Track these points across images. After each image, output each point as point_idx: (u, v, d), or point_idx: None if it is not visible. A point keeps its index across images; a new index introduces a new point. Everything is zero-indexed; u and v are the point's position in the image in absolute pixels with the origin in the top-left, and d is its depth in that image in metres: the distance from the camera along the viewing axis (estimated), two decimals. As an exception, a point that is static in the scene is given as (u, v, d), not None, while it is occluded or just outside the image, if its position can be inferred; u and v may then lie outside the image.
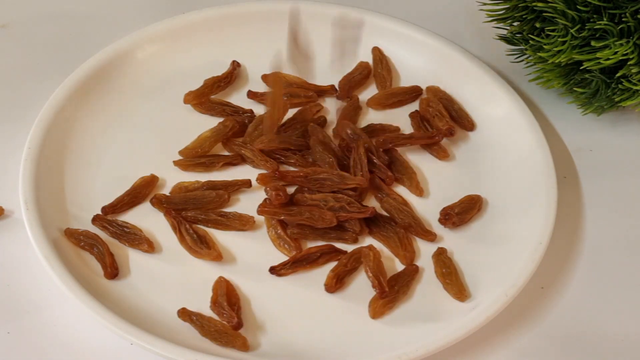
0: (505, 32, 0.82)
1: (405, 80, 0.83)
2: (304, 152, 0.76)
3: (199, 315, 0.67)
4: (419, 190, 0.75)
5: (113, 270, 0.69)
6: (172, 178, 0.75)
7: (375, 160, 0.75)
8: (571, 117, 0.82)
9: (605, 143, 0.80)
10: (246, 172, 0.76)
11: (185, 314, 0.67)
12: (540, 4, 0.75)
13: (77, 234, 0.70)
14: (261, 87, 0.82)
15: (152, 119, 0.79)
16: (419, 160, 0.77)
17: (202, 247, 0.71)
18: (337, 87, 0.81)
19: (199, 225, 0.72)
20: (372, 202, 0.74)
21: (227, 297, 0.68)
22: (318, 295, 0.69)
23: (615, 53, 0.73)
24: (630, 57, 0.73)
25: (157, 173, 0.75)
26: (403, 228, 0.72)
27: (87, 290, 0.66)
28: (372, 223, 0.73)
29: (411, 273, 0.70)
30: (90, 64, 0.79)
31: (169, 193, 0.74)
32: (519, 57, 0.82)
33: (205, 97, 0.80)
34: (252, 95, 0.80)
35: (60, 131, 0.76)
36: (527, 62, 0.81)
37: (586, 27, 0.74)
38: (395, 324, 0.68)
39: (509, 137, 0.78)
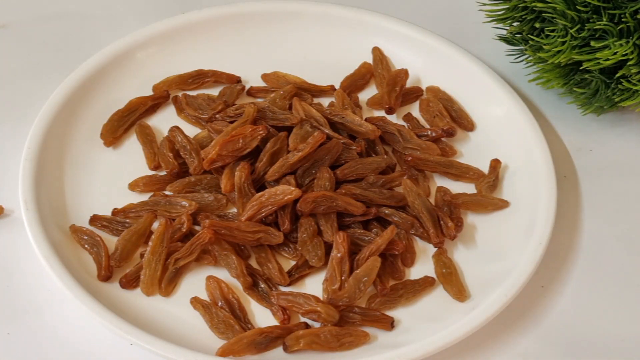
0: (504, 32, 0.82)
1: (405, 80, 0.83)
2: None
3: (209, 304, 0.67)
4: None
5: (106, 273, 0.68)
6: (172, 178, 0.75)
7: None
8: (571, 117, 0.82)
9: (605, 143, 0.80)
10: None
11: (197, 302, 0.67)
12: (540, 4, 0.75)
13: (82, 232, 0.70)
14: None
15: (151, 118, 0.79)
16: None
17: (200, 249, 0.70)
18: (336, 87, 0.81)
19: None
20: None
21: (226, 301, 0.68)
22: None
23: (615, 53, 0.73)
24: (630, 57, 0.73)
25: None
26: (404, 229, 0.72)
27: (87, 291, 0.66)
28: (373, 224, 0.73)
29: (424, 284, 0.69)
30: (90, 64, 0.79)
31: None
32: (518, 57, 0.82)
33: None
34: (253, 90, 0.80)
35: (60, 131, 0.76)
36: (527, 62, 0.81)
37: (586, 27, 0.74)
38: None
39: (509, 137, 0.78)
